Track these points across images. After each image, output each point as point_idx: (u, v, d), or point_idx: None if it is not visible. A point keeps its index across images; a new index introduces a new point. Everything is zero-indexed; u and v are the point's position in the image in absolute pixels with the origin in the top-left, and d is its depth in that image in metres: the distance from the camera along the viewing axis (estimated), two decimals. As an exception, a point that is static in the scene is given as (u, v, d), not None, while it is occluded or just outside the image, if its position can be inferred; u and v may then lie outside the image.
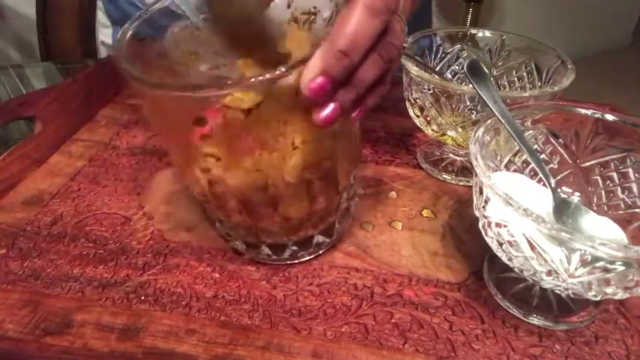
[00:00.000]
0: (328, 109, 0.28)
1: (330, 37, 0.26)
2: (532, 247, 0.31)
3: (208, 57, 0.38)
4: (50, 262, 0.40)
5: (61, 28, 0.81)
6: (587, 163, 0.40)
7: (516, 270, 0.34)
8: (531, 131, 0.41)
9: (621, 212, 0.38)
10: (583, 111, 0.39)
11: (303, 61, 0.27)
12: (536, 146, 0.41)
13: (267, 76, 0.27)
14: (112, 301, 0.37)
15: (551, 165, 0.41)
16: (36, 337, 0.34)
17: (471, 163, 0.38)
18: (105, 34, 0.85)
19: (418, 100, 0.48)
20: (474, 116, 0.45)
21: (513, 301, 0.37)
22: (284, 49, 0.36)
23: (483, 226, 0.36)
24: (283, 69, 0.27)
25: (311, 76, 0.26)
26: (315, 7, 0.36)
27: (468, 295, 0.38)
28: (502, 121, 0.37)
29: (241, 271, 0.40)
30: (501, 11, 2.13)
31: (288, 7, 0.37)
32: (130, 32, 0.32)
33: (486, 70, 0.50)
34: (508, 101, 0.41)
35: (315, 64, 0.26)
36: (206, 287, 0.38)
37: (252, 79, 0.27)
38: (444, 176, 0.51)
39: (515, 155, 0.41)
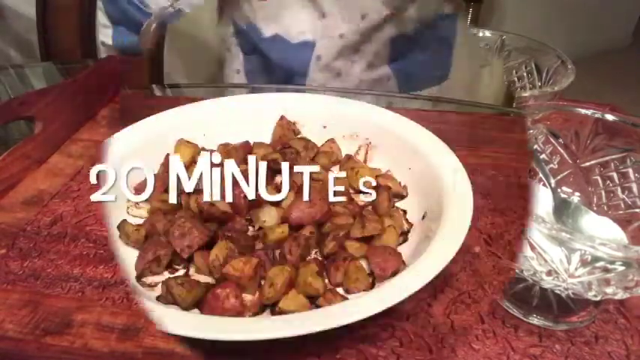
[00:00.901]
0: None
1: None
2: (532, 247, 0.31)
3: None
4: (50, 262, 0.40)
5: (61, 28, 0.80)
6: (587, 163, 0.40)
7: (516, 270, 0.34)
8: (531, 131, 0.41)
9: (621, 212, 0.38)
10: (583, 111, 0.39)
11: None
12: (536, 146, 0.41)
13: None
14: (112, 301, 0.37)
15: (551, 165, 0.41)
16: (36, 337, 0.34)
17: (471, 163, 0.38)
18: (105, 34, 0.85)
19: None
20: (474, 116, 0.45)
21: (513, 301, 0.37)
22: None
23: (483, 226, 0.36)
24: None
25: None
26: None
27: (468, 295, 0.38)
28: (502, 121, 0.37)
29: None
30: (501, 11, 2.13)
31: None
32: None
33: (486, 70, 0.50)
34: (508, 101, 0.42)
35: None
36: (206, 287, 0.38)
37: None
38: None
39: (515, 155, 0.41)
